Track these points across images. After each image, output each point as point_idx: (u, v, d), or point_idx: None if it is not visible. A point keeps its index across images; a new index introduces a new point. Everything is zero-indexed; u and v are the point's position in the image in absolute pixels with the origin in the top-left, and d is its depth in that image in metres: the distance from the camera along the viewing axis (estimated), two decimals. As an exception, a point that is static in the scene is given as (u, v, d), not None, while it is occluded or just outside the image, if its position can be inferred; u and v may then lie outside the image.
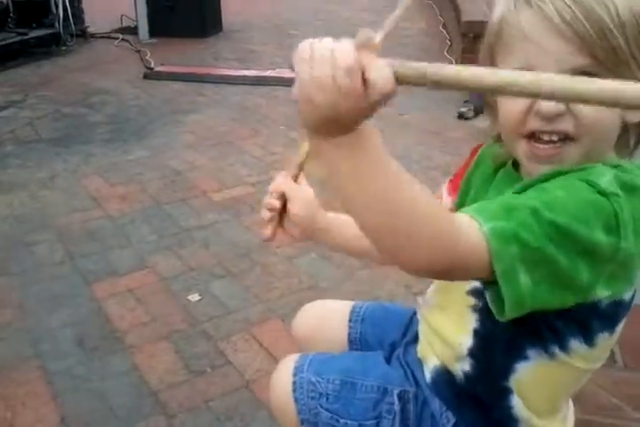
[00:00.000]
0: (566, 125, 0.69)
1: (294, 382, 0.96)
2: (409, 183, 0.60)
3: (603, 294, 0.68)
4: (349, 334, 1.13)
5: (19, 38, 5.66)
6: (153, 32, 6.56)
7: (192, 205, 2.90)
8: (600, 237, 0.62)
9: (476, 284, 0.79)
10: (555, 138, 0.70)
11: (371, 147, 0.59)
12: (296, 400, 0.95)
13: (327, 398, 0.94)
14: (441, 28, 6.88)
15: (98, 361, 1.86)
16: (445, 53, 5.80)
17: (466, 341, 0.83)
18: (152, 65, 5.47)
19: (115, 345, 1.94)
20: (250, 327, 2.01)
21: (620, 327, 0.77)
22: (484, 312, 0.79)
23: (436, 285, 0.93)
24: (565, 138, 0.70)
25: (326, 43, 0.53)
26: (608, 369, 1.71)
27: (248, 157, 3.48)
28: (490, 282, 0.63)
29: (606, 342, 0.77)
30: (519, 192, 0.69)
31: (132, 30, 6.71)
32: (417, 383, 0.94)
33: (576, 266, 0.62)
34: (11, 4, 6.17)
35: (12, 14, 6.13)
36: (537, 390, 0.81)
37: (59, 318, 2.06)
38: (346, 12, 8.47)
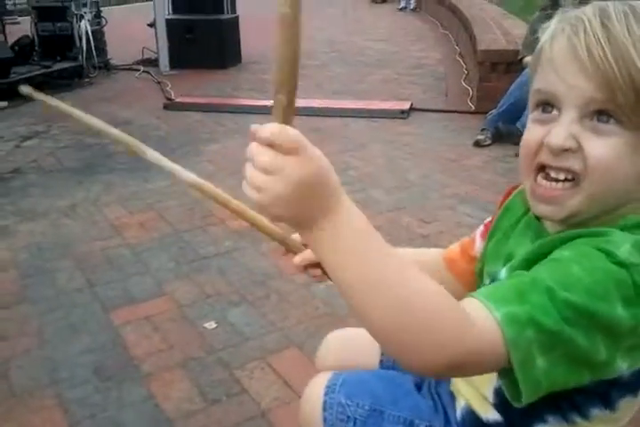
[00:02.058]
0: (573, 163, 0.66)
1: (325, 402, 0.96)
2: (410, 273, 0.58)
3: (622, 366, 0.64)
4: (381, 362, 1.11)
5: (42, 71, 5.83)
6: (174, 64, 6.72)
7: (210, 232, 2.93)
8: (620, 311, 0.59)
9: None
10: (561, 177, 0.67)
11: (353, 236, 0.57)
12: (325, 420, 0.95)
13: (355, 423, 0.94)
14: (457, 57, 6.95)
15: (115, 390, 1.86)
16: (462, 82, 5.84)
17: (490, 395, 0.82)
18: (172, 96, 5.58)
19: (131, 373, 1.93)
20: (266, 355, 2.00)
21: None
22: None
23: None
24: (573, 179, 0.67)
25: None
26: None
27: (266, 186, 3.50)
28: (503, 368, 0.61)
29: (629, 404, 0.74)
30: (533, 257, 0.68)
31: (154, 62, 6.87)
32: (447, 419, 0.93)
33: (594, 344, 0.60)
34: (36, 38, 6.37)
35: (37, 48, 6.33)
36: None
37: (76, 345, 2.07)
38: (361, 42, 8.61)
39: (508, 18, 6.79)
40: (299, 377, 1.85)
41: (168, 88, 5.83)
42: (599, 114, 0.64)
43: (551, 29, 0.68)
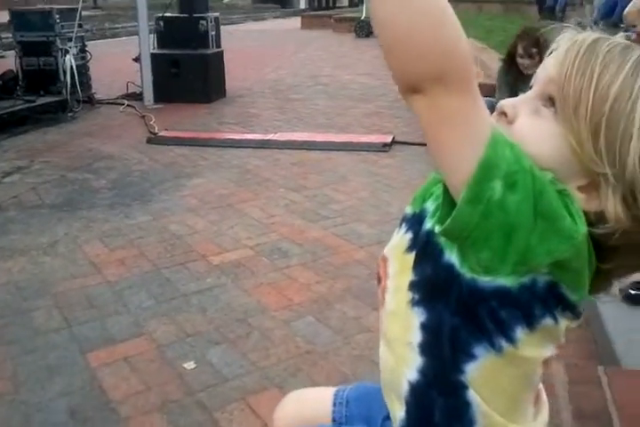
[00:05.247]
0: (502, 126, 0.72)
1: None
2: None
3: (540, 254, 0.64)
4: (333, 419, 1.10)
5: (26, 105, 5.83)
6: (158, 98, 6.76)
7: (191, 269, 2.91)
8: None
9: (414, 278, 0.77)
10: None
11: None
12: None
13: None
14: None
15: (90, 434, 1.82)
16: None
17: (415, 337, 0.79)
18: (156, 130, 5.60)
19: (109, 417, 1.90)
20: (246, 396, 1.97)
21: (563, 322, 0.73)
22: (424, 303, 0.77)
23: (389, 292, 0.87)
24: None
25: None
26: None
27: (248, 220, 3.51)
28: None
29: (550, 327, 0.73)
30: None
31: (138, 96, 6.91)
32: None
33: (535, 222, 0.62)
34: (21, 73, 6.39)
35: (20, 82, 6.34)
36: (491, 389, 0.77)
37: (52, 388, 2.02)
38: (345, 76, 8.73)
39: (487, 52, 6.93)
40: (279, 419, 1.82)
41: (152, 122, 5.85)
42: (549, 100, 0.70)
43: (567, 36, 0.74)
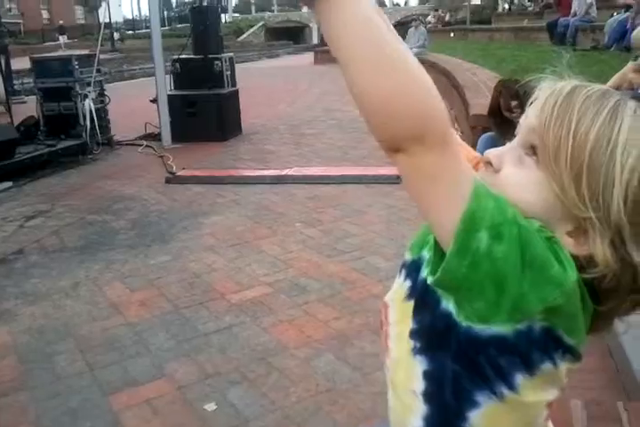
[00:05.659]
0: (487, 176, 0.74)
1: None
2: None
3: (533, 302, 0.65)
4: None
5: (47, 150, 5.98)
6: (176, 138, 6.89)
7: (210, 308, 2.93)
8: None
9: (415, 326, 0.78)
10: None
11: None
12: None
13: None
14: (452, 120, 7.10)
15: (113, 479, 1.83)
16: (457, 145, 5.94)
17: (419, 385, 0.80)
18: (174, 170, 5.69)
19: (130, 461, 1.90)
20: (267, 437, 1.97)
21: (563, 365, 0.73)
22: (425, 351, 0.78)
23: (391, 339, 0.89)
24: None
25: None
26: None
27: (265, 257, 3.54)
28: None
29: (550, 371, 0.73)
30: None
31: (156, 137, 7.05)
32: None
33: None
34: (42, 118, 6.58)
35: (42, 127, 6.52)
36: None
37: (75, 433, 2.04)
38: (356, 110, 8.84)
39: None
40: (300, 460, 1.82)
41: (170, 162, 5.95)
42: (531, 148, 0.71)
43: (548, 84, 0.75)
